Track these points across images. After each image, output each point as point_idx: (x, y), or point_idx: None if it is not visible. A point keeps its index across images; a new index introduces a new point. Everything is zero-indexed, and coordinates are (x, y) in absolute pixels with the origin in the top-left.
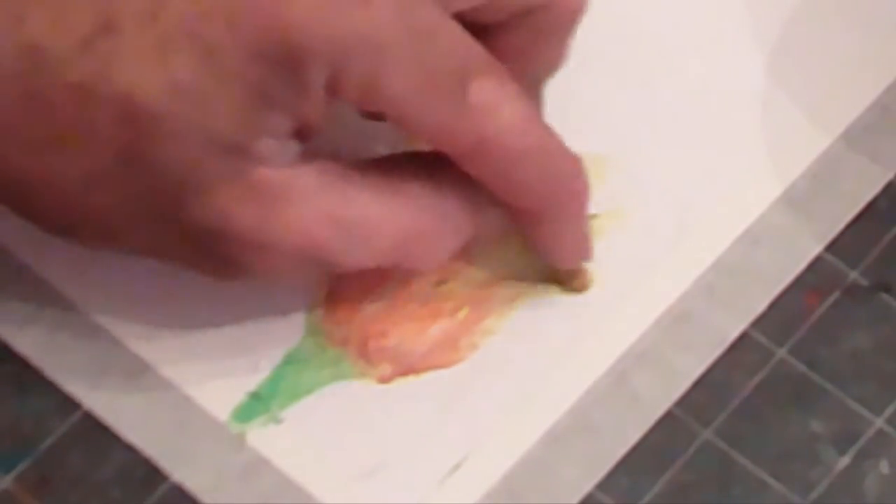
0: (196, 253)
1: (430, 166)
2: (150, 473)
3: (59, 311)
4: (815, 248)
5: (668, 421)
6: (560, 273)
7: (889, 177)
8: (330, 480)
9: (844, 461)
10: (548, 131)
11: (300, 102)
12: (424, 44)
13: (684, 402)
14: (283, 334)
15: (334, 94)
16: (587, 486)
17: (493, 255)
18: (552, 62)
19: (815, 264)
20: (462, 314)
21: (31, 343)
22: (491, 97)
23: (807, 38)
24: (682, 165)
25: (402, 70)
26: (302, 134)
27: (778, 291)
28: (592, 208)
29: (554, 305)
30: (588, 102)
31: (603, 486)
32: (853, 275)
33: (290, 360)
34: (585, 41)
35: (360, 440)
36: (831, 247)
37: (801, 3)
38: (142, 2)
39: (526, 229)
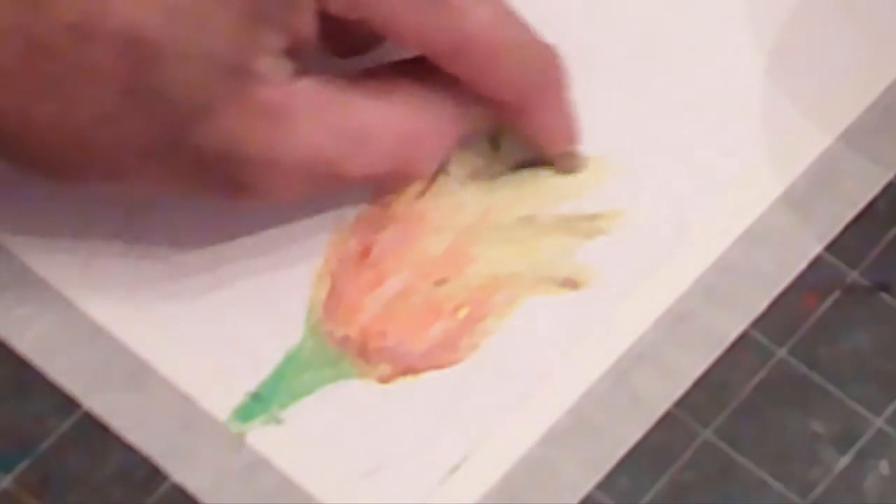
0: (205, 179)
1: (416, 72)
2: (150, 473)
3: (59, 311)
4: (815, 248)
5: (668, 421)
6: (554, 159)
7: (889, 177)
8: (330, 480)
9: (844, 461)
10: (522, 24)
11: (292, 16)
12: None
13: (684, 402)
14: (283, 334)
15: (323, 3)
16: (587, 486)
17: (493, 254)
18: None
19: (815, 264)
20: (462, 314)
21: (31, 343)
22: None
23: (807, 38)
24: (682, 165)
25: None
26: (296, 51)
27: (778, 291)
28: (592, 208)
29: (554, 306)
30: (588, 102)
31: (603, 486)
32: (853, 275)
33: (290, 360)
34: (586, 41)
35: (360, 440)
36: (831, 247)
37: (801, 3)
38: None
39: (512, 121)
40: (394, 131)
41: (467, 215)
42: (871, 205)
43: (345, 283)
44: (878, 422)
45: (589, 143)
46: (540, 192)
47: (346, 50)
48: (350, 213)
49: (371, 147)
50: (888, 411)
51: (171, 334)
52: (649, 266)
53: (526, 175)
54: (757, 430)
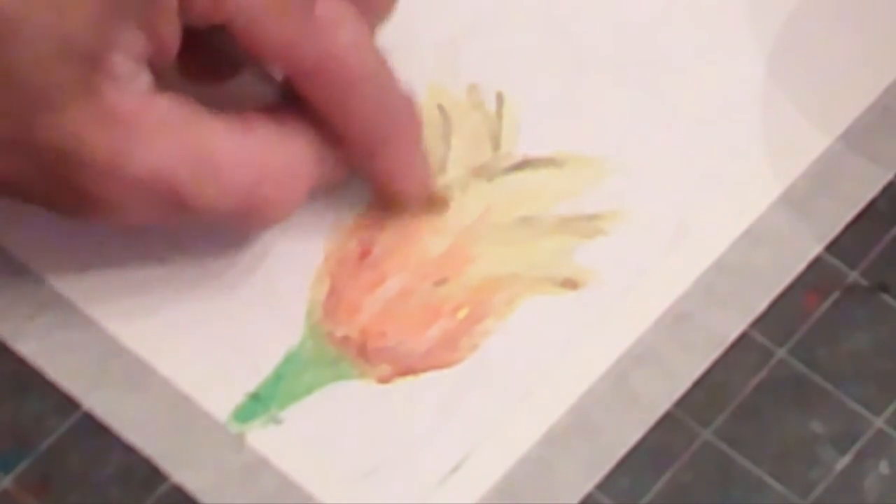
0: (49, 183)
1: (276, 114)
2: (150, 473)
3: (59, 311)
4: (815, 248)
5: (668, 421)
6: (418, 203)
7: (889, 177)
8: (330, 480)
9: (844, 461)
10: (384, 61)
11: (153, 15)
12: None
13: (684, 402)
14: (283, 334)
15: (186, 6)
16: (587, 486)
17: (493, 255)
18: (384, 9)
19: (815, 264)
20: (462, 314)
21: (31, 343)
22: (335, 14)
23: (807, 38)
24: (683, 166)
25: None
26: (155, 61)
27: (778, 291)
28: (592, 208)
29: (553, 305)
30: (588, 103)
31: (603, 486)
32: (853, 275)
33: (289, 360)
34: (586, 42)
35: (360, 440)
36: (831, 247)
37: (801, 3)
38: None
39: (366, 163)
40: (247, 168)
41: (467, 215)
42: (871, 205)
43: (344, 284)
44: (878, 422)
45: (589, 143)
46: (540, 192)
47: (204, 74)
48: (350, 214)
49: (221, 179)
50: (888, 411)
51: (171, 334)
52: (649, 266)
53: (526, 175)
54: (757, 430)
